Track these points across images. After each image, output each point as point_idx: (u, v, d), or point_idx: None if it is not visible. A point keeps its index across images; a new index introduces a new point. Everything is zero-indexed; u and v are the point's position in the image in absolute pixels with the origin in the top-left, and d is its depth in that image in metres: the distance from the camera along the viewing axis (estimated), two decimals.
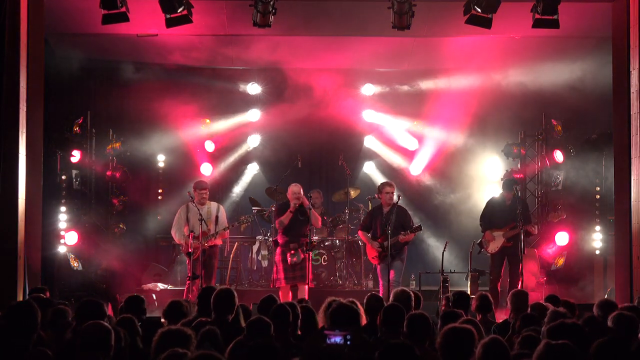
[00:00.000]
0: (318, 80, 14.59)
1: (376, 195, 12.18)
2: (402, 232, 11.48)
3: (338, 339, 4.62)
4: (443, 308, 8.31)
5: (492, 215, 12.15)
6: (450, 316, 6.79)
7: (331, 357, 4.65)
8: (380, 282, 11.61)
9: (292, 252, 11.55)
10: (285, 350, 5.85)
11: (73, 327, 6.06)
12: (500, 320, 8.11)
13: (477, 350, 4.87)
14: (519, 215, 11.41)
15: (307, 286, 11.31)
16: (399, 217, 11.64)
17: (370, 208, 14.72)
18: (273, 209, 14.25)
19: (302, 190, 11.74)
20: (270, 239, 14.24)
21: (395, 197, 11.75)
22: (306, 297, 10.50)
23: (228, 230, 12.14)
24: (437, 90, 15.19)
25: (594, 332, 5.49)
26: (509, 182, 12.37)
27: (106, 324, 5.27)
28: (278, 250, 11.84)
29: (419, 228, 11.67)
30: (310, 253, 11.58)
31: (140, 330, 6.15)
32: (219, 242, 12.01)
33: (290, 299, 10.81)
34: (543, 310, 7.05)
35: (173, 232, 12.00)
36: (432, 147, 15.49)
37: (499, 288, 11.93)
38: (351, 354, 4.82)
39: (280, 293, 11.46)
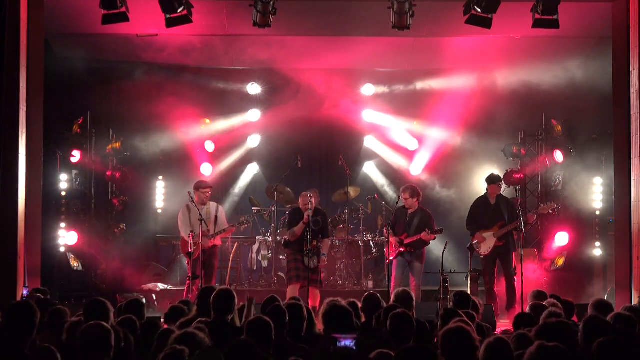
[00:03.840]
0: (318, 80, 14.59)
1: None
2: (426, 231, 11.72)
3: (348, 342, 4.66)
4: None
5: (479, 217, 12.15)
6: (451, 315, 6.78)
7: None
8: (393, 275, 11.63)
9: (311, 255, 11.36)
10: (282, 351, 5.85)
11: (74, 326, 6.04)
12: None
13: (480, 350, 4.88)
14: (512, 212, 11.47)
15: (318, 292, 11.27)
16: (422, 220, 11.91)
17: (370, 208, 14.78)
18: (273, 209, 14.30)
19: (312, 199, 11.45)
20: (270, 239, 14.25)
21: (407, 200, 11.95)
22: (317, 304, 10.47)
23: (234, 228, 12.11)
24: (437, 90, 15.19)
25: (595, 332, 5.47)
26: (493, 176, 12.34)
27: (106, 324, 5.26)
28: (288, 251, 11.76)
29: (440, 231, 11.94)
30: (321, 258, 11.50)
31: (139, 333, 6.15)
32: (218, 242, 12.01)
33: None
34: (542, 311, 7.04)
35: (182, 231, 11.94)
36: (432, 147, 15.49)
37: (495, 291, 11.92)
38: (358, 356, 4.84)
39: (288, 290, 11.36)
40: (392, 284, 11.25)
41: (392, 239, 11.81)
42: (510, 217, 11.88)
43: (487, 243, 11.94)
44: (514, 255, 11.96)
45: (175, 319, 6.90)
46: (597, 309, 6.99)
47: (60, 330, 6.25)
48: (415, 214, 11.98)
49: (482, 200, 12.31)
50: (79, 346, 5.12)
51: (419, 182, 15.30)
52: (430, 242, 12.15)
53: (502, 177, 12.53)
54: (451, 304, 8.20)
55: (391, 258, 11.82)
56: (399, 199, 12.21)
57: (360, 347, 5.22)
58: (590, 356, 4.95)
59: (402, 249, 11.80)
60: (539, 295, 8.39)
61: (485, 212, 12.10)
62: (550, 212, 12.96)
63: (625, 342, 4.97)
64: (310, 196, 11.42)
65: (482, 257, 12.09)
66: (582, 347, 5.48)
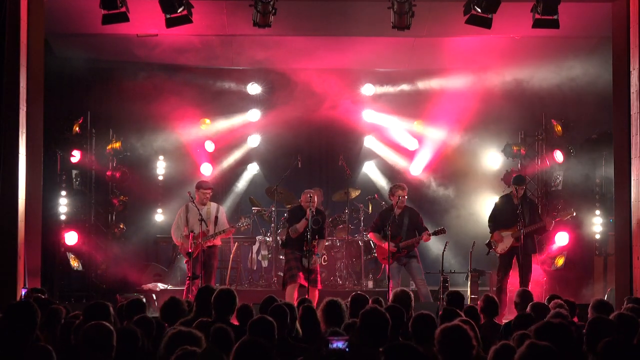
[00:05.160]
0: (318, 80, 14.58)
1: (389, 197, 12.20)
2: (427, 233, 11.64)
3: (340, 344, 4.70)
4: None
5: (500, 215, 12.08)
6: (449, 315, 6.79)
7: None
8: (391, 282, 11.62)
9: (306, 256, 11.27)
10: (284, 351, 5.85)
11: (79, 326, 6.05)
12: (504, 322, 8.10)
13: (489, 354, 4.89)
14: (519, 215, 11.44)
15: (317, 292, 11.27)
16: (412, 219, 11.85)
17: (370, 208, 14.76)
18: (273, 209, 14.30)
19: (315, 197, 11.47)
20: (270, 239, 14.25)
21: (404, 198, 11.85)
22: (315, 304, 10.46)
23: (234, 229, 12.10)
24: (437, 90, 15.19)
25: (601, 332, 5.47)
26: (519, 177, 12.31)
27: (108, 324, 5.26)
28: (287, 250, 11.73)
29: (443, 231, 11.89)
30: (316, 257, 11.49)
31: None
32: (218, 242, 12.00)
33: (295, 299, 10.74)
34: (542, 311, 7.04)
35: (172, 232, 12.00)
36: (432, 147, 15.49)
37: (506, 288, 11.90)
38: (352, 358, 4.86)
39: (287, 290, 11.35)
40: (391, 290, 11.17)
41: (385, 245, 11.52)
42: (531, 219, 11.79)
43: (504, 242, 11.88)
44: (533, 257, 11.93)
45: (171, 313, 6.88)
46: (597, 309, 6.99)
47: (62, 330, 6.26)
48: (403, 214, 11.85)
49: (506, 200, 12.23)
50: (81, 346, 5.11)
51: (418, 182, 15.37)
52: (430, 241, 12.12)
53: (520, 178, 12.34)
54: (445, 304, 8.20)
55: (384, 265, 11.75)
56: (398, 199, 12.00)
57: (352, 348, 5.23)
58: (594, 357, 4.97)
59: (399, 254, 11.69)
60: (524, 294, 8.38)
61: (507, 211, 11.99)
62: (569, 218, 12.89)
63: (629, 342, 4.98)
64: (311, 196, 11.41)
65: (498, 255, 12.06)
66: (585, 349, 5.48)
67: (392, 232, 11.66)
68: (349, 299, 7.48)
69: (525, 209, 11.76)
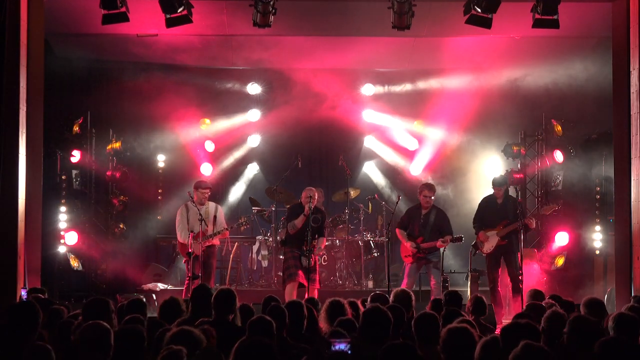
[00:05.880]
0: (318, 80, 14.60)
1: (418, 196, 12.18)
2: (442, 240, 11.66)
3: (343, 346, 4.71)
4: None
5: (485, 215, 12.15)
6: (450, 315, 6.79)
7: None
8: (405, 281, 11.62)
9: (306, 255, 11.28)
10: (282, 351, 5.85)
11: (76, 326, 6.05)
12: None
13: (476, 348, 4.90)
14: (519, 215, 11.45)
15: (316, 291, 11.26)
16: (437, 220, 11.89)
17: (370, 208, 14.76)
18: (273, 209, 14.29)
19: (315, 194, 11.48)
20: (270, 239, 14.25)
21: (429, 199, 11.90)
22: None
23: (228, 231, 12.11)
24: (437, 90, 15.20)
25: (589, 332, 5.49)
26: (499, 178, 12.36)
27: (105, 324, 5.25)
28: (286, 249, 11.71)
29: (460, 239, 11.88)
30: (316, 257, 11.48)
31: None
32: (217, 242, 11.99)
33: (295, 297, 10.74)
34: (539, 311, 7.03)
35: (178, 233, 11.93)
36: (432, 147, 15.50)
37: (498, 288, 11.92)
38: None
39: (286, 289, 11.33)
40: (403, 287, 11.13)
41: (408, 244, 11.72)
42: (514, 216, 11.85)
43: (490, 242, 11.92)
44: (518, 255, 11.95)
45: (170, 313, 6.87)
46: (588, 307, 6.98)
47: (61, 329, 6.26)
48: (429, 214, 11.92)
49: (489, 200, 12.29)
50: (79, 346, 5.12)
51: (418, 182, 15.34)
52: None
53: (500, 179, 12.39)
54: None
55: (405, 263, 11.79)
56: (398, 199, 12.12)
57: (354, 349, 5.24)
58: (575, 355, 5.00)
59: (419, 255, 11.75)
60: (536, 295, 8.39)
61: (491, 211, 12.08)
62: (552, 212, 12.90)
63: (627, 342, 4.98)
64: (311, 195, 11.40)
65: (484, 255, 12.08)
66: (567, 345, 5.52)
67: (416, 232, 11.80)
68: (369, 298, 7.49)
69: (510, 207, 11.81)
